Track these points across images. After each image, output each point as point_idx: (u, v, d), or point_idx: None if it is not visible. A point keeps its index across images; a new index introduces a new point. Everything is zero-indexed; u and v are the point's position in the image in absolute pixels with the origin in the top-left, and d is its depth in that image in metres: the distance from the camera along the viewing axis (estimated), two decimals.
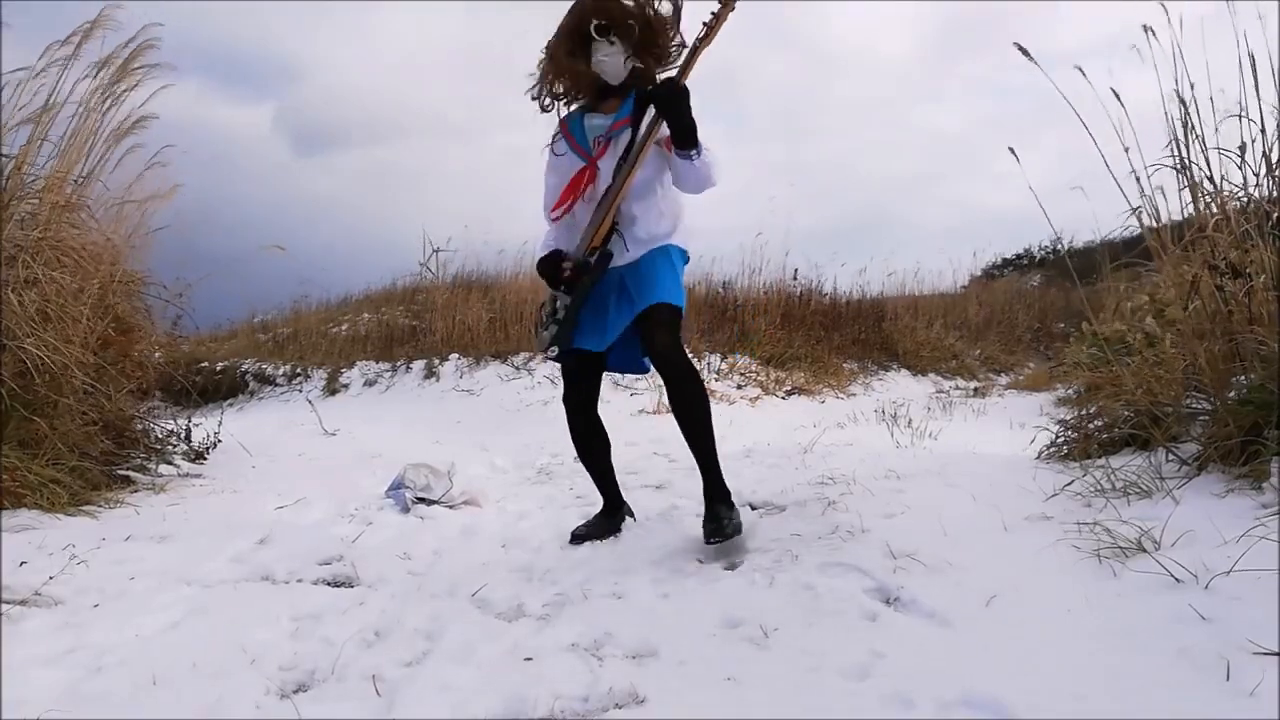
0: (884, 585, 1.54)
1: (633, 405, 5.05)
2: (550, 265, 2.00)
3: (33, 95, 2.78)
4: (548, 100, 2.02)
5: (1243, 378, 1.82)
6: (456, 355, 6.33)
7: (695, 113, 1.81)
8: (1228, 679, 1.03)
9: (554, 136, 2.03)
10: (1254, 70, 1.93)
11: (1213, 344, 1.90)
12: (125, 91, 2.97)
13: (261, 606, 1.61)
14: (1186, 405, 2.00)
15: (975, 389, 7.47)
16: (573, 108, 2.04)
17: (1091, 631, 1.24)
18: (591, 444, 2.15)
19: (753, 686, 1.21)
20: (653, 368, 1.96)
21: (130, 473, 2.81)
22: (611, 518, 2.19)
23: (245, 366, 7.35)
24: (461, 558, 2.02)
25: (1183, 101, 2.02)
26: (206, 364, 7.34)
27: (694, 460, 1.95)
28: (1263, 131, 1.93)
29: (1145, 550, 1.44)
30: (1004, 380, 8.36)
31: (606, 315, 1.97)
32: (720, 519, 1.86)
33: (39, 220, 2.68)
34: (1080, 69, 2.00)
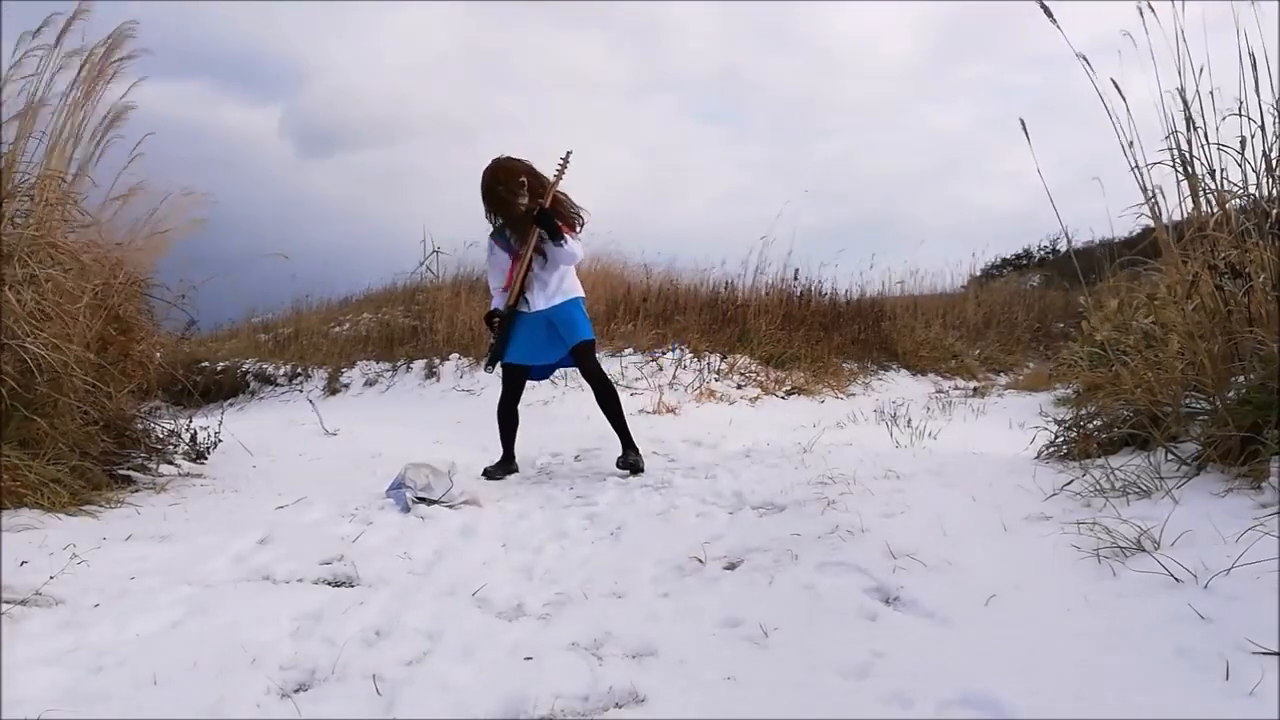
0: (883, 585, 1.55)
1: (633, 405, 5.04)
2: (488, 318, 3.35)
3: (18, 91, 2.73)
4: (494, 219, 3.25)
5: (1242, 378, 1.82)
6: (457, 355, 6.33)
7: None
8: (1227, 679, 1.03)
9: (490, 244, 3.26)
10: (1254, 68, 1.93)
11: (1212, 344, 1.90)
12: (104, 86, 2.90)
13: (262, 606, 1.61)
14: (1186, 405, 2.00)
15: (974, 389, 7.46)
16: (498, 224, 3.24)
17: (1091, 631, 1.24)
18: (511, 424, 3.35)
19: (753, 686, 1.21)
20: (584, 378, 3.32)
21: (131, 472, 2.81)
22: (509, 464, 3.31)
23: (246, 366, 7.35)
24: (461, 557, 2.02)
25: (1185, 99, 2.02)
26: (207, 364, 7.34)
27: (613, 434, 3.25)
28: (1262, 130, 1.93)
29: (1144, 550, 1.45)
30: (1003, 380, 8.36)
31: (540, 344, 3.22)
32: (631, 460, 3.11)
33: (33, 219, 2.66)
34: (1085, 58, 1.99)
